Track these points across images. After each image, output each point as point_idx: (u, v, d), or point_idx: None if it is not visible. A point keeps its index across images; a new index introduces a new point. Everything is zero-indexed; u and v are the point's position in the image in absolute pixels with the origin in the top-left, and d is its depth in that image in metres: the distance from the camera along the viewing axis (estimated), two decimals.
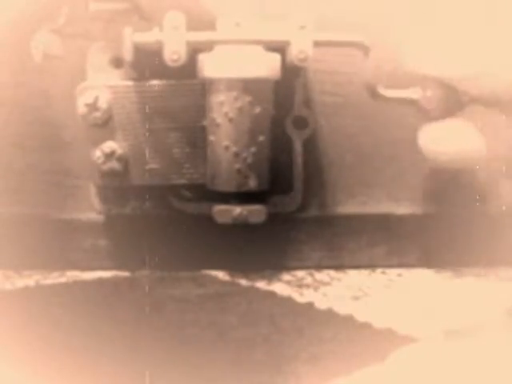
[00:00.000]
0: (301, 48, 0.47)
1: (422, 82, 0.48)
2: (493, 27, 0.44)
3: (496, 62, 0.44)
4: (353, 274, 0.51)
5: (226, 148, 0.48)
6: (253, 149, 0.48)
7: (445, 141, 0.47)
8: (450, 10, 0.45)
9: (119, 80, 0.49)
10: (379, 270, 0.52)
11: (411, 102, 0.48)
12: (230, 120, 0.47)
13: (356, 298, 0.47)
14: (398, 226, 0.52)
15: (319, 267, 0.52)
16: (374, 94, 0.48)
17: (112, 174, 0.49)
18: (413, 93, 0.48)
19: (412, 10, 0.48)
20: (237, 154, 0.48)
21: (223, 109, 0.47)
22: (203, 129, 0.49)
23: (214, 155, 0.48)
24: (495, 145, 0.46)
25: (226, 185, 0.49)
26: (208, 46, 0.47)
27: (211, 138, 0.48)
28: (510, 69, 0.44)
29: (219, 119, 0.48)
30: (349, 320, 0.44)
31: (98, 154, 0.49)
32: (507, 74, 0.44)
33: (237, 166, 0.48)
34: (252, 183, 0.49)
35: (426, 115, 0.47)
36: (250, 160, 0.48)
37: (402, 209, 0.52)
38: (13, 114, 0.51)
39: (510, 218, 0.51)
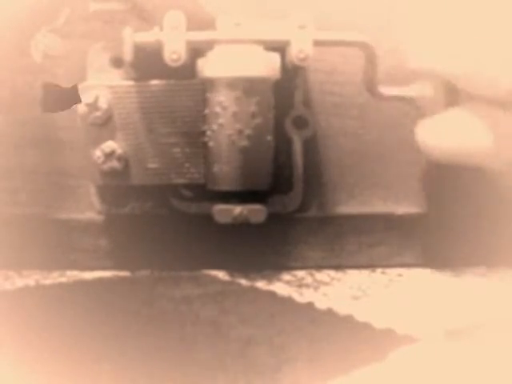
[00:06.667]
0: (301, 47, 0.47)
1: (421, 79, 0.47)
2: (493, 26, 0.44)
3: (495, 62, 0.43)
4: (353, 274, 0.51)
5: (232, 143, 0.48)
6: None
7: (445, 134, 0.46)
8: (451, 6, 0.45)
9: (119, 80, 0.49)
10: (379, 270, 0.52)
11: (410, 100, 0.48)
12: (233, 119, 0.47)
13: (356, 298, 0.47)
14: (398, 225, 0.52)
15: (319, 267, 0.52)
16: (373, 92, 0.48)
17: (112, 173, 0.49)
18: (411, 90, 0.48)
19: (413, 7, 0.47)
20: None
21: (223, 108, 0.47)
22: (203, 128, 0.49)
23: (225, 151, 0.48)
24: (495, 142, 0.44)
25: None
26: (208, 46, 0.47)
27: (210, 133, 0.48)
28: (508, 69, 0.43)
29: (220, 118, 0.48)
30: (349, 320, 0.44)
31: (97, 153, 0.49)
32: (505, 75, 0.43)
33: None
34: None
35: (424, 113, 0.47)
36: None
37: (402, 209, 0.52)
38: (13, 114, 0.51)
39: (509, 217, 0.51)
